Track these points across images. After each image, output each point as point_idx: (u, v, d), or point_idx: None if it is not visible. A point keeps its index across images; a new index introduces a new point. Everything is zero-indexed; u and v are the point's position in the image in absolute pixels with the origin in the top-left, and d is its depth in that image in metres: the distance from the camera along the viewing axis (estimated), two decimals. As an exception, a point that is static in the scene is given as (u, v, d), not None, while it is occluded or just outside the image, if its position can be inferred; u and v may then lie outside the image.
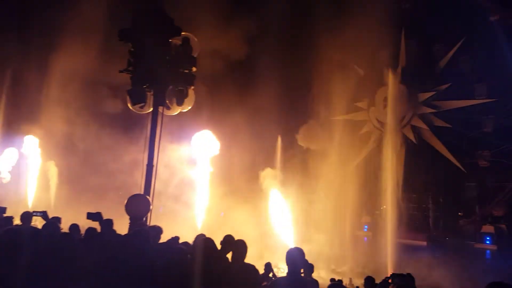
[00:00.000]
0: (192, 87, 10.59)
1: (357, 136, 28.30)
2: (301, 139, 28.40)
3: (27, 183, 27.59)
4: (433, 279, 18.93)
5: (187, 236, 6.96)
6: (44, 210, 7.21)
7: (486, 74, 24.39)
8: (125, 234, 6.24)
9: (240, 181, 25.16)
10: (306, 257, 10.93)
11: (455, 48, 25.61)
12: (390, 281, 5.97)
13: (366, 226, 27.15)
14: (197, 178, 23.18)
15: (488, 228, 23.29)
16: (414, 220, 25.20)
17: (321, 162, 25.86)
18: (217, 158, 24.88)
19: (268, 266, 8.94)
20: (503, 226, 22.87)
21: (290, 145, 29.04)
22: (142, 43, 10.64)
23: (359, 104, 28.70)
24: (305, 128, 28.48)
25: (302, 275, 5.24)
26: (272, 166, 25.98)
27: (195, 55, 10.97)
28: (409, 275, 6.64)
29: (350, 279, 19.43)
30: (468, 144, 24.71)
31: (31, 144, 27.06)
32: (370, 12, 25.73)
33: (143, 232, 5.43)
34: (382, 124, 26.87)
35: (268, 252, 16.97)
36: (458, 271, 18.18)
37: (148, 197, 8.45)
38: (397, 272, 6.87)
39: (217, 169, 24.36)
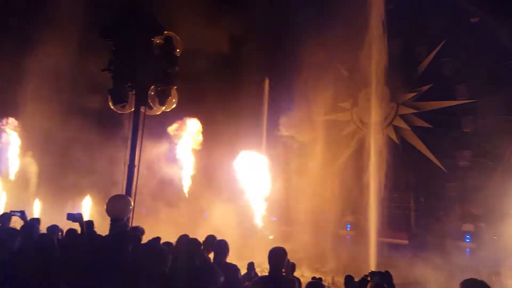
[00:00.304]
0: (175, 87, 10.49)
1: (340, 136, 28.55)
2: (284, 129, 28.53)
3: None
4: (414, 277, 19.24)
5: (170, 237, 6.92)
6: (22, 209, 7.06)
7: (467, 76, 24.86)
8: (106, 235, 6.17)
9: (222, 180, 25.16)
10: (289, 256, 10.97)
11: (436, 50, 26.07)
12: (368, 278, 6.04)
13: (348, 225, 27.42)
14: (179, 176, 23.16)
15: (468, 227, 23.75)
16: (396, 219, 25.49)
17: (304, 162, 26.01)
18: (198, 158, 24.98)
19: (250, 266, 8.97)
20: (482, 225, 23.29)
21: (274, 144, 29.21)
22: (124, 41, 10.51)
23: (343, 105, 28.96)
24: (286, 119, 28.61)
25: (284, 273, 5.24)
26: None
27: (178, 54, 10.86)
28: (387, 272, 6.73)
29: (333, 278, 19.60)
30: (449, 144, 25.14)
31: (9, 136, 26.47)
32: (354, 13, 26.04)
33: (124, 233, 5.38)
34: (365, 124, 27.14)
35: (251, 251, 16.95)
36: (438, 268, 18.48)
37: (129, 197, 8.36)
38: (377, 270, 6.93)
39: (199, 167, 24.43)
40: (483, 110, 24.33)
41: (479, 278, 3.58)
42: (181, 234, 6.19)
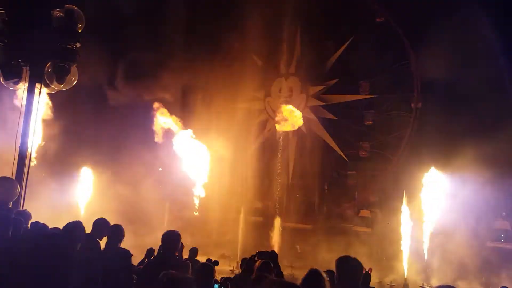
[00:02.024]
0: (75, 64, 9.86)
1: (253, 124, 29.06)
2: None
3: None
4: (317, 257, 20.35)
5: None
6: None
7: (370, 72, 26.59)
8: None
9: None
10: (194, 243, 10.98)
11: (344, 47, 27.50)
12: (256, 258, 6.28)
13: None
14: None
15: (365, 213, 25.56)
16: (302, 205, 26.65)
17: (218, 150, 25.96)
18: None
19: (149, 251, 8.83)
20: (377, 210, 25.22)
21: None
22: (18, 11, 9.64)
23: (256, 94, 29.45)
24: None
25: (177, 257, 5.25)
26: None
27: (80, 30, 10.19)
28: (273, 251, 7.05)
29: (237, 263, 19.98)
30: (351, 135, 26.82)
31: None
32: (269, 5, 26.53)
33: (2, 218, 5.02)
34: (276, 113, 27.89)
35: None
36: (335, 251, 19.65)
37: (14, 180, 7.76)
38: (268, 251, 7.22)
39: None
40: (383, 105, 26.29)
41: (352, 256, 3.86)
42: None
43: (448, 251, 19.83)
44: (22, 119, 9.51)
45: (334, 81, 27.44)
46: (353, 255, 3.98)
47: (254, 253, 6.54)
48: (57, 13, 10.12)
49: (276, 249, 18.89)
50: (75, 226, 5.05)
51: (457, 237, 19.40)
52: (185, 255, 9.06)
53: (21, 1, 9.82)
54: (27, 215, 6.55)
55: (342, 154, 26.57)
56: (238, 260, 20.23)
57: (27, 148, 9.60)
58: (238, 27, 26.59)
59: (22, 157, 9.26)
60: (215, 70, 27.21)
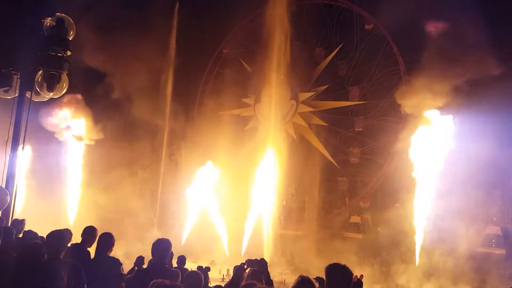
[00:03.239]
0: (66, 72, 9.89)
1: (243, 130, 29.12)
2: None
3: None
4: (306, 265, 20.41)
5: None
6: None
7: (360, 79, 26.83)
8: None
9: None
10: (183, 250, 10.97)
11: (333, 53, 27.72)
12: (245, 266, 6.33)
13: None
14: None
15: (355, 219, 25.63)
16: (292, 212, 26.70)
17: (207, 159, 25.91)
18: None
19: (139, 260, 8.82)
20: (368, 216, 25.33)
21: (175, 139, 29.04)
22: (9, 20, 9.66)
23: (246, 100, 29.55)
24: None
25: (167, 265, 5.28)
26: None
27: (70, 38, 10.24)
28: (262, 259, 7.11)
29: (228, 270, 19.98)
30: (341, 141, 26.98)
31: None
32: (259, 12, 26.75)
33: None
34: (266, 120, 28.02)
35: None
36: (324, 257, 19.72)
37: (5, 189, 7.76)
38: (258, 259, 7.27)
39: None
40: (373, 111, 26.48)
41: (341, 264, 3.88)
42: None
43: (440, 256, 19.98)
44: (11, 127, 9.51)
45: (324, 87, 27.65)
46: (344, 262, 3.97)
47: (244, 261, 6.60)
48: (48, 21, 10.17)
49: (266, 256, 18.88)
50: (57, 234, 5.04)
51: (449, 242, 19.57)
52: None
53: (12, 10, 9.85)
54: (22, 224, 6.54)
55: (333, 160, 26.70)
56: (228, 268, 20.23)
57: (17, 156, 9.58)
58: (227, 34, 26.74)
59: (12, 165, 9.26)
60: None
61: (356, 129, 26.65)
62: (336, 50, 27.57)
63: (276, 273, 19.99)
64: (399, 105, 24.76)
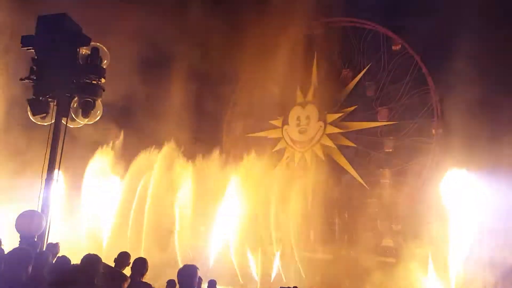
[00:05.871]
0: (100, 99, 10.20)
1: (271, 153, 29.10)
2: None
3: None
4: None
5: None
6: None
7: (388, 99, 26.56)
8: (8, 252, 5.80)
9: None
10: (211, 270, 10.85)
11: (361, 74, 27.62)
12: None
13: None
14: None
15: (388, 242, 24.94)
16: (321, 234, 26.22)
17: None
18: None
19: (171, 284, 8.77)
20: (401, 239, 24.58)
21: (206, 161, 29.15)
22: (47, 50, 10.08)
23: (274, 122, 29.66)
24: None
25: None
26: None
27: (104, 66, 10.59)
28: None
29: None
30: (371, 163, 26.57)
31: None
32: (286, 34, 27.00)
33: (23, 250, 5.13)
34: (294, 141, 27.97)
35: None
36: (358, 280, 19.21)
37: (42, 214, 7.94)
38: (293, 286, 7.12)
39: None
40: (403, 131, 26.05)
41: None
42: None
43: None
44: (48, 152, 9.81)
45: (352, 108, 27.48)
46: (376, 287, 3.82)
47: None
48: (83, 50, 10.57)
49: (293, 281, 18.51)
50: (91, 260, 5.09)
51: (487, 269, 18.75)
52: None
53: (50, 41, 10.28)
54: (56, 248, 6.65)
55: (362, 182, 26.27)
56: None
57: (52, 181, 9.84)
58: (254, 55, 27.07)
59: (48, 190, 9.50)
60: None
61: (386, 150, 26.25)
62: (363, 71, 27.46)
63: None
64: (429, 126, 24.40)
